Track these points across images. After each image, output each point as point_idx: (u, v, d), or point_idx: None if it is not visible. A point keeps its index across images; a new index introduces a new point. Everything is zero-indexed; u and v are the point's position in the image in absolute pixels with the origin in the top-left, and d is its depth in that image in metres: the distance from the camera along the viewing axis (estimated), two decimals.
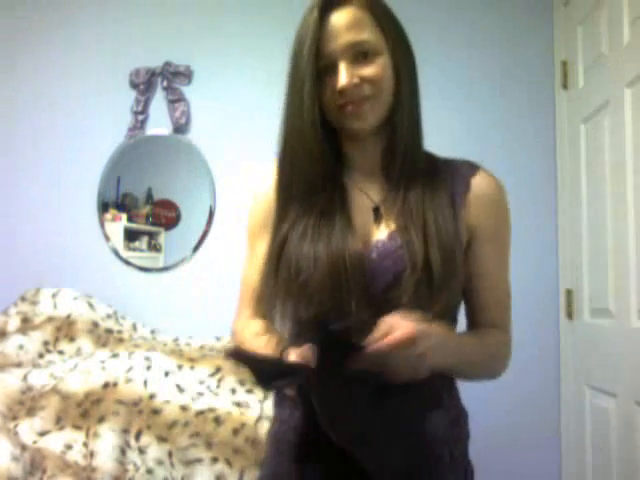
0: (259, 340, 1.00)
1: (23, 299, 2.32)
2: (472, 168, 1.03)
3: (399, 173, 0.99)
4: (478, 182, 1.01)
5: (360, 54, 0.94)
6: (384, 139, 1.01)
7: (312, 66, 0.93)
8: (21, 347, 2.11)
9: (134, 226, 2.52)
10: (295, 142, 0.96)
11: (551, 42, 2.41)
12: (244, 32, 2.53)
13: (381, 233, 0.97)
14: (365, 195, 1.01)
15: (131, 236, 2.52)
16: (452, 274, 0.94)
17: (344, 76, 0.93)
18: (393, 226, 0.96)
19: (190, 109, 2.50)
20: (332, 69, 0.95)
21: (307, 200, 0.97)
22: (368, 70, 0.94)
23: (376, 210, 1.00)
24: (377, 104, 0.96)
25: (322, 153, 0.96)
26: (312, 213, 0.96)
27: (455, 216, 0.97)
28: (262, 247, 1.04)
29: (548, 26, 2.42)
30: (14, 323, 2.23)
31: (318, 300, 0.91)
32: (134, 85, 2.50)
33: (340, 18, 0.95)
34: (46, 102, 2.54)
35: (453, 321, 1.03)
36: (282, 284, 0.95)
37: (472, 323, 1.05)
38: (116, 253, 2.48)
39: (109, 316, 2.32)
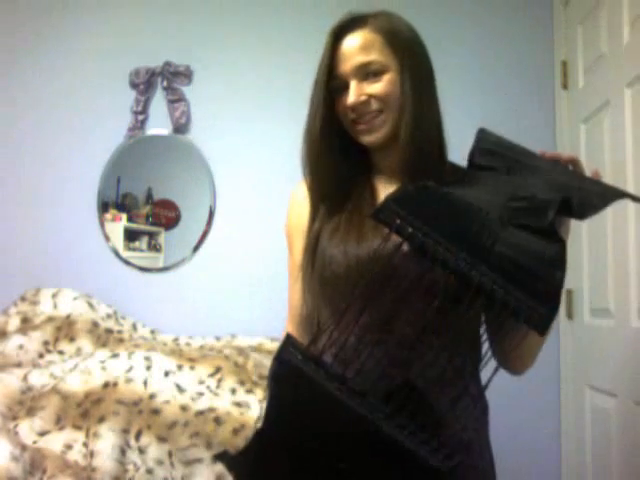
0: None
1: (23, 299, 2.32)
2: None
3: (419, 175, 1.04)
4: None
5: (369, 73, 1.04)
6: (402, 146, 1.09)
7: (324, 87, 1.04)
8: (21, 347, 2.11)
9: (134, 226, 2.52)
10: (311, 153, 1.07)
11: (551, 42, 2.41)
12: (244, 32, 2.53)
13: None
14: None
15: (131, 236, 2.52)
16: None
17: (353, 94, 1.04)
18: None
19: (190, 109, 2.50)
20: (345, 88, 1.05)
21: (336, 200, 1.07)
22: (375, 87, 1.04)
23: None
24: (387, 119, 1.05)
25: (335, 161, 1.07)
26: (342, 211, 1.06)
27: None
28: (296, 256, 1.15)
29: (548, 26, 2.42)
30: (14, 323, 2.23)
31: (349, 292, 0.94)
32: (134, 85, 2.50)
33: (351, 41, 1.05)
34: (46, 102, 2.54)
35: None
36: (317, 274, 1.04)
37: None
38: (116, 253, 2.48)
39: (109, 316, 2.32)
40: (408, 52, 1.06)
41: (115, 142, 2.49)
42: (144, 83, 2.48)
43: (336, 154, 1.07)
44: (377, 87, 1.04)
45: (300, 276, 1.11)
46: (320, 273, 1.04)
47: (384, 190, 1.08)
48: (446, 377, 0.94)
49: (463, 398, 0.97)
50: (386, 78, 1.04)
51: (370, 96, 1.04)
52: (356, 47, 1.04)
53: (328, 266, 1.02)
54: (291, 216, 1.19)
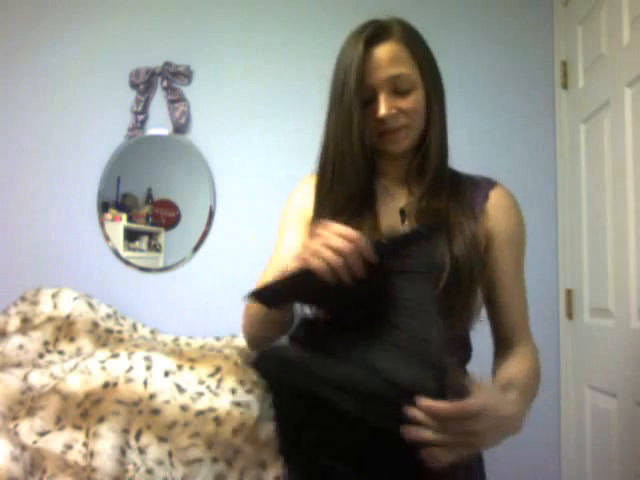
0: None
1: (23, 299, 2.32)
2: (490, 183, 1.17)
3: (427, 184, 1.11)
4: (495, 194, 1.15)
5: (398, 87, 1.06)
6: (413, 155, 1.14)
7: (359, 96, 1.04)
8: (21, 347, 2.11)
9: (134, 226, 2.52)
10: (344, 158, 1.07)
11: (551, 42, 2.41)
12: (244, 32, 2.53)
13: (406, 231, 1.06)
14: (393, 200, 1.15)
15: (131, 236, 2.52)
16: (476, 269, 1.04)
17: (384, 107, 1.05)
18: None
19: (190, 109, 2.50)
20: (373, 98, 1.07)
21: (341, 203, 1.09)
22: (405, 103, 1.06)
23: (402, 212, 1.13)
24: (411, 132, 1.09)
25: (365, 168, 1.08)
26: (344, 213, 1.08)
27: (474, 224, 1.08)
28: (293, 242, 1.16)
29: (548, 26, 2.42)
30: (14, 323, 2.23)
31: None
32: (134, 85, 2.50)
33: (382, 52, 1.05)
34: (46, 102, 2.54)
35: (467, 338, 1.15)
36: None
37: (497, 331, 1.17)
38: (116, 253, 2.48)
39: (109, 316, 2.32)
40: (428, 65, 1.10)
41: (115, 142, 2.49)
42: (144, 83, 2.48)
43: (367, 163, 1.08)
44: (408, 103, 1.06)
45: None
46: None
47: (387, 198, 1.14)
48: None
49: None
50: (415, 94, 1.07)
51: (400, 110, 1.06)
52: (386, 59, 1.05)
53: None
54: (296, 202, 1.22)
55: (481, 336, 1.18)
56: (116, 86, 2.51)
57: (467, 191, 1.14)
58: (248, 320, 1.15)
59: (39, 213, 2.50)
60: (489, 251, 1.12)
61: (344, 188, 1.08)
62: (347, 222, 1.02)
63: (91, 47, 2.55)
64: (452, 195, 1.11)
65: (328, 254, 0.81)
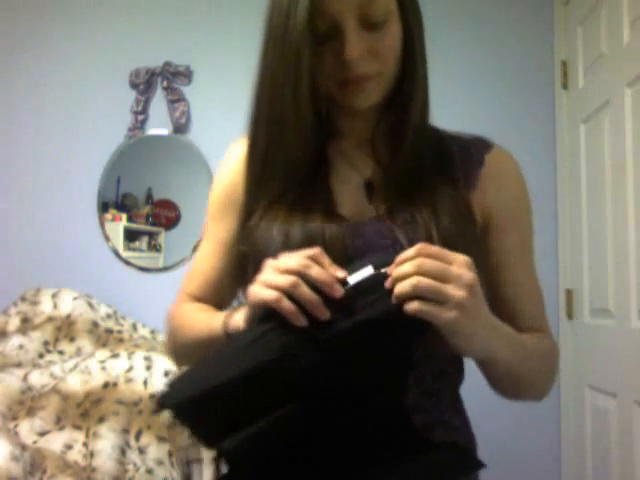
0: (200, 313, 0.88)
1: (23, 299, 2.32)
2: (485, 144, 0.89)
3: (401, 147, 0.83)
4: (494, 159, 0.87)
5: (370, 16, 0.75)
6: (382, 110, 0.85)
7: (312, 29, 0.73)
8: (21, 347, 2.11)
9: (134, 226, 2.52)
10: (285, 116, 0.78)
11: (551, 42, 2.41)
12: (244, 32, 2.52)
13: (374, 211, 0.81)
14: (354, 169, 0.85)
15: (131, 236, 2.52)
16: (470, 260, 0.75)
17: (352, 45, 0.74)
18: (389, 204, 0.81)
19: (190, 109, 2.50)
20: (331, 34, 0.76)
21: (281, 178, 0.80)
22: (379, 40, 0.77)
23: (368, 185, 0.84)
24: (383, 80, 0.80)
25: (312, 128, 0.79)
26: (289, 193, 0.80)
27: (466, 198, 0.82)
28: (221, 231, 0.91)
29: (548, 26, 2.42)
30: (14, 323, 2.23)
31: None
32: (134, 85, 2.50)
33: None
34: (46, 102, 2.54)
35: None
36: (251, 257, 0.80)
37: None
38: (116, 253, 2.48)
39: (109, 316, 2.32)
40: None
41: (115, 142, 2.49)
42: (144, 83, 2.48)
43: (314, 121, 0.79)
44: (383, 41, 0.77)
45: (230, 253, 0.87)
46: (254, 255, 0.78)
47: (345, 166, 0.85)
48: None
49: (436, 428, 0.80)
50: (390, 28, 0.77)
51: (372, 52, 0.76)
52: None
53: (264, 249, 0.77)
54: (221, 180, 0.96)
55: None
56: (116, 86, 2.51)
57: (454, 155, 0.86)
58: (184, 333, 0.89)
59: (39, 213, 2.50)
60: (488, 234, 0.85)
61: (285, 156, 0.79)
62: (291, 206, 0.79)
63: (91, 47, 2.54)
64: (434, 161, 0.84)
65: (267, 294, 0.64)
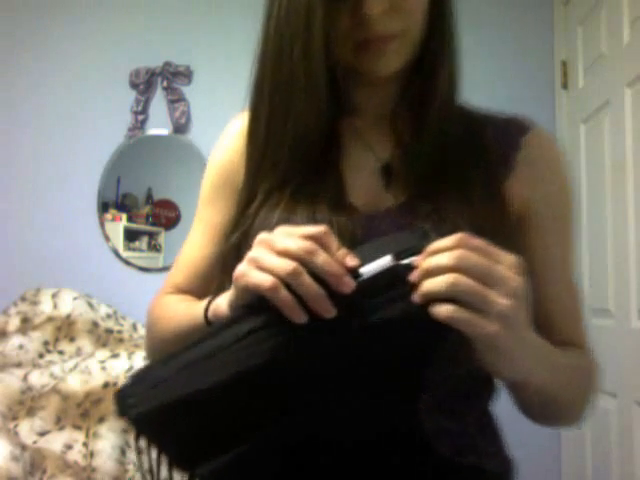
0: (182, 303, 0.76)
1: (23, 299, 2.32)
2: (523, 125, 0.77)
3: (425, 125, 0.72)
4: (532, 142, 0.75)
5: None
6: (403, 81, 0.74)
7: None
8: (21, 347, 2.11)
9: (134, 226, 2.52)
10: (293, 84, 0.67)
11: (551, 42, 2.41)
12: (244, 32, 2.52)
13: (391, 200, 0.70)
14: (369, 150, 0.74)
15: (131, 236, 2.52)
16: None
17: (374, 1, 0.64)
18: (409, 192, 0.70)
19: (190, 109, 2.50)
20: None
21: (289, 161, 0.70)
22: None
23: (386, 169, 0.72)
24: (406, 43, 0.69)
25: (328, 99, 0.68)
26: (294, 177, 0.70)
27: (501, 187, 0.71)
28: (215, 216, 0.81)
29: (548, 26, 2.42)
30: (14, 323, 2.23)
31: None
32: (134, 85, 2.50)
33: None
34: (46, 102, 2.54)
35: None
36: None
37: None
38: (116, 253, 2.48)
39: (109, 316, 2.32)
40: None
41: (115, 142, 2.49)
42: (144, 83, 2.48)
43: (326, 84, 0.67)
44: None
45: (223, 242, 0.76)
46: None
47: (359, 147, 0.75)
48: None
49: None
50: None
51: (395, 8, 0.66)
52: None
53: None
54: (217, 159, 0.85)
55: None
56: (116, 86, 2.51)
57: (489, 137, 0.74)
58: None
59: (39, 213, 2.50)
60: (524, 229, 0.73)
61: (292, 131, 0.68)
62: (295, 193, 0.69)
63: (91, 47, 2.54)
64: (464, 143, 0.72)
65: (262, 278, 0.51)
